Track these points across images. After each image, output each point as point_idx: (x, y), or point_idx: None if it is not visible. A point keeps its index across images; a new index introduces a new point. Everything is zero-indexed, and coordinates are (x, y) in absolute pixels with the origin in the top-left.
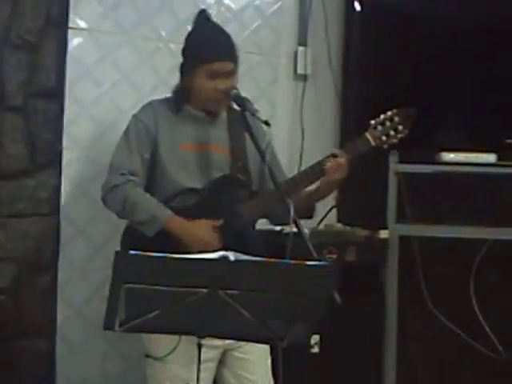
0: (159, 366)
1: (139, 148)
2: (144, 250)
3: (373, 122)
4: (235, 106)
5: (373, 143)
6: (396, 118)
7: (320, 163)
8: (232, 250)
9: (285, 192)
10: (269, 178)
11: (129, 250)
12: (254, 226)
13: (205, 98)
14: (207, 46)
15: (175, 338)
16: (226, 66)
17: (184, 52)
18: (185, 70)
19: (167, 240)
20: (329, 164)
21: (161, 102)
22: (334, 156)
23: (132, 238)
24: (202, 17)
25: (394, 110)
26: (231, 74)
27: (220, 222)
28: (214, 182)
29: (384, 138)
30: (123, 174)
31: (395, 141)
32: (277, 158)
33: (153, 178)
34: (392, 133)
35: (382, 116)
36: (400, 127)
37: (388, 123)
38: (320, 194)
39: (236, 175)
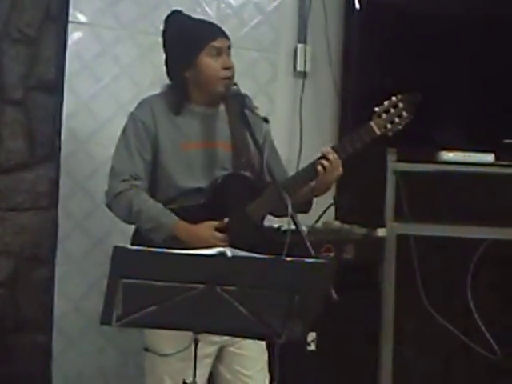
0: (159, 361)
1: (140, 150)
2: None
3: (377, 109)
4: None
5: (378, 132)
6: (400, 104)
7: (313, 165)
8: (240, 249)
9: (283, 188)
10: (268, 173)
11: None
12: (262, 223)
13: (215, 79)
14: (202, 28)
15: (176, 333)
16: (225, 42)
17: (174, 51)
18: (183, 64)
19: (177, 242)
20: (321, 166)
21: (157, 97)
22: (325, 156)
23: (141, 239)
24: (177, 14)
25: (399, 96)
26: (229, 52)
27: (225, 222)
28: (219, 181)
29: (389, 125)
30: (125, 180)
31: (400, 127)
32: (275, 149)
33: (154, 178)
34: (397, 120)
35: (386, 102)
36: (404, 113)
37: (392, 110)
38: (315, 193)
39: (241, 173)
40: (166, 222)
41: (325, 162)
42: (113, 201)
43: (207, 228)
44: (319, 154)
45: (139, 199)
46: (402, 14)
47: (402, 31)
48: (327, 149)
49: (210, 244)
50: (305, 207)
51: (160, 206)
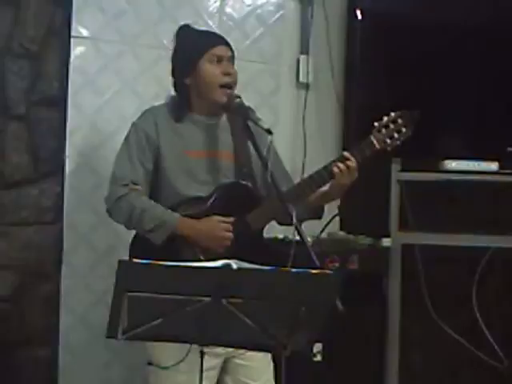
0: (163, 375)
1: (141, 158)
2: (153, 260)
3: (376, 124)
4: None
5: (377, 146)
6: (399, 120)
7: (328, 167)
8: (242, 259)
9: (289, 199)
10: (272, 184)
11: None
12: (262, 233)
13: (215, 86)
14: (204, 36)
15: (180, 346)
16: (227, 50)
17: (177, 60)
18: (185, 72)
19: (175, 248)
20: (337, 168)
21: (160, 108)
22: (345, 159)
23: (140, 247)
24: (184, 27)
25: (398, 112)
26: (232, 61)
27: (231, 219)
28: (219, 190)
29: (388, 140)
30: (126, 185)
31: (398, 143)
32: (280, 160)
33: (156, 187)
34: (396, 135)
35: (385, 118)
36: (403, 129)
37: (392, 125)
38: (329, 197)
39: (241, 182)
40: (170, 219)
41: (341, 165)
42: (114, 205)
43: (216, 222)
44: (323, 165)
45: (140, 201)
46: (404, 24)
47: (404, 41)
48: (346, 153)
49: (218, 238)
50: (318, 213)
51: (161, 206)
